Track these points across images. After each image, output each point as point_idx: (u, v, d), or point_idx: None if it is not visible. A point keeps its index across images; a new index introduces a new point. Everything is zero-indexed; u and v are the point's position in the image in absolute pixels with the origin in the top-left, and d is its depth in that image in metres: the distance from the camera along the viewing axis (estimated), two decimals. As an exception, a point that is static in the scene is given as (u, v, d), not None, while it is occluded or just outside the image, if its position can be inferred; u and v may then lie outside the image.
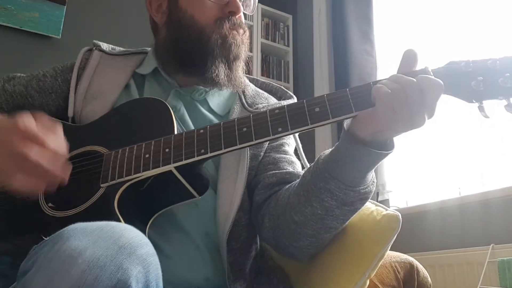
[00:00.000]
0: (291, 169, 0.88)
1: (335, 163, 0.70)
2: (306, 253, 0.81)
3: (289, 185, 0.83)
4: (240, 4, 0.93)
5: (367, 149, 0.65)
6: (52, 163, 0.66)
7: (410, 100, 0.60)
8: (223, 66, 0.90)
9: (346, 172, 0.69)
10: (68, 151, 0.71)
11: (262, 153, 0.90)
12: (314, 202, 0.72)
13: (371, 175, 0.72)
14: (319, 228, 0.75)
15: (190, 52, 0.91)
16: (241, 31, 0.93)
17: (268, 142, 0.91)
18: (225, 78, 0.90)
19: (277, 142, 0.93)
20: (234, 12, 0.91)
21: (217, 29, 0.90)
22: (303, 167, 0.94)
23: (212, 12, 0.91)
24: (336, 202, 0.71)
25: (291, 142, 0.96)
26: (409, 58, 0.66)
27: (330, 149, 0.73)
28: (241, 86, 0.93)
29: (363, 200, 0.73)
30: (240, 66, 0.93)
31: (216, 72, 0.89)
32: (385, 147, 0.67)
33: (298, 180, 0.80)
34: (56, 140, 0.68)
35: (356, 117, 0.66)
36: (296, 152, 0.97)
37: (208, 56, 0.89)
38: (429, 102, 0.61)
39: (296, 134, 0.97)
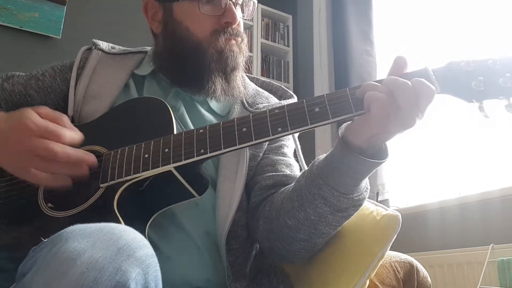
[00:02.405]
0: (288, 172, 0.88)
1: (330, 170, 0.70)
2: (299, 257, 0.81)
3: (284, 188, 0.83)
4: (237, 13, 0.89)
5: (362, 158, 0.66)
6: (75, 153, 0.70)
7: (404, 103, 0.61)
8: (220, 80, 0.88)
9: (340, 179, 0.69)
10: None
11: (261, 154, 0.89)
12: (308, 208, 0.72)
13: (365, 182, 0.73)
14: (311, 233, 0.75)
15: (186, 67, 0.89)
16: (239, 39, 0.90)
17: (267, 143, 0.90)
18: (222, 91, 0.88)
19: (276, 144, 0.92)
20: (231, 22, 0.88)
21: (213, 42, 0.87)
22: (301, 170, 0.93)
23: (207, 24, 0.87)
24: (329, 208, 0.71)
25: (290, 144, 0.96)
26: (399, 65, 0.66)
27: (325, 155, 0.73)
28: (239, 96, 0.91)
29: (356, 206, 0.73)
30: (238, 76, 0.91)
31: (213, 87, 0.87)
32: (380, 156, 0.68)
33: (292, 184, 0.79)
34: (68, 130, 0.71)
35: (351, 124, 0.67)
36: (295, 154, 0.96)
37: (205, 72, 0.87)
38: (422, 106, 0.61)
39: (296, 136, 0.97)
